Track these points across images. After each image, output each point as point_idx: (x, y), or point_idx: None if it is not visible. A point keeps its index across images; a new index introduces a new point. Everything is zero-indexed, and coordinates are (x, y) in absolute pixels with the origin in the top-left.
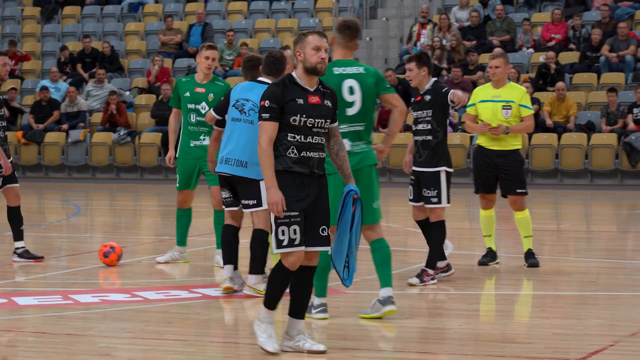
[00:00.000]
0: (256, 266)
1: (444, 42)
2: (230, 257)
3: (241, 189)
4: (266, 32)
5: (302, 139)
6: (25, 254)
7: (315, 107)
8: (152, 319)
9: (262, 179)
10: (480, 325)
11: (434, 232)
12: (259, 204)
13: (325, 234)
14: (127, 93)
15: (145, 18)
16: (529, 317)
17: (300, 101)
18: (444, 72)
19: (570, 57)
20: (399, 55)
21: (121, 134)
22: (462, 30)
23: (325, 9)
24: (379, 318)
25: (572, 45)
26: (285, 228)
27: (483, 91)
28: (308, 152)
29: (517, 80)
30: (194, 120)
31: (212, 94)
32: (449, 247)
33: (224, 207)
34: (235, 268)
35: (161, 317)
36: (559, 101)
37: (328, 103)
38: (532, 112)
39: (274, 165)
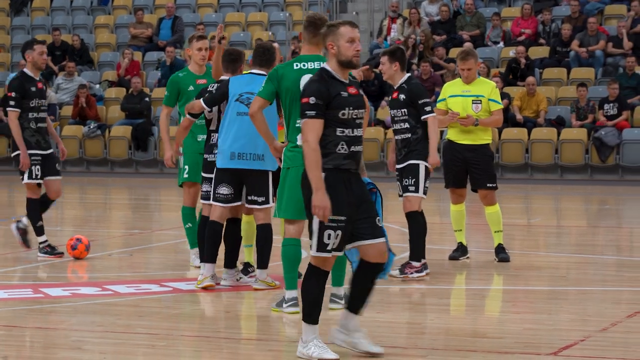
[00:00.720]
0: (264, 261)
1: (414, 36)
2: (214, 256)
3: (251, 184)
4: (236, 26)
5: (350, 132)
6: (47, 247)
7: (356, 98)
8: (122, 313)
9: (274, 170)
10: (451, 319)
11: (410, 223)
12: (267, 202)
13: (381, 224)
14: (97, 86)
15: (115, 11)
16: (500, 312)
17: (345, 94)
18: (414, 67)
19: (540, 51)
20: (369, 50)
21: (91, 127)
22: (432, 25)
23: (295, 2)
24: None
25: (541, 40)
26: (332, 232)
27: (453, 86)
28: (356, 147)
29: (487, 75)
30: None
31: (214, 84)
32: None
33: (219, 203)
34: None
35: (132, 310)
36: (529, 96)
37: (361, 92)
38: (502, 106)
39: (323, 164)
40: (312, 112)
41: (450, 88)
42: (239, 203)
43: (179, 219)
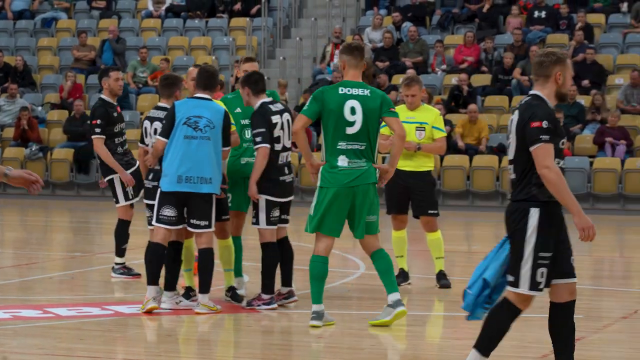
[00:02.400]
0: (207, 285)
1: None
2: (156, 278)
3: (194, 208)
4: (180, 50)
5: (562, 164)
6: (123, 268)
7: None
8: (64, 336)
9: (219, 195)
10: (392, 345)
11: (262, 254)
12: (210, 226)
13: (574, 264)
14: (40, 108)
15: (58, 34)
16: (441, 338)
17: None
18: None
19: (482, 79)
20: (312, 75)
21: (33, 149)
22: (375, 51)
23: (239, 27)
24: (388, 324)
25: (484, 68)
26: (544, 270)
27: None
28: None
29: (430, 102)
30: (248, 137)
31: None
32: (360, 267)
33: (163, 225)
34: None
35: (73, 333)
36: (471, 123)
37: None
38: (445, 134)
39: (538, 195)
40: (547, 137)
41: None
42: (181, 226)
43: (135, 243)
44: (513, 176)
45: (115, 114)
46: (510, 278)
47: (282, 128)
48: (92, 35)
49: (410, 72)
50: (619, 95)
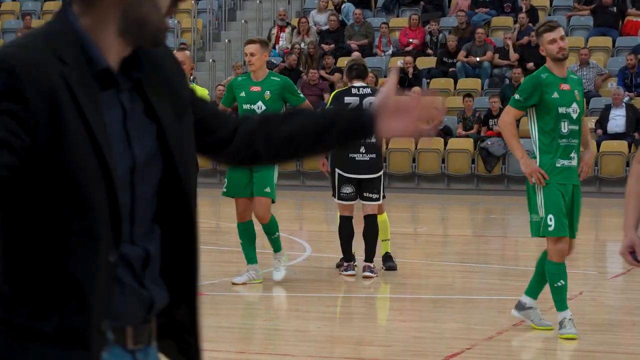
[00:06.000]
0: None
1: (302, 45)
2: None
3: None
4: None
5: None
6: None
7: None
8: None
9: None
10: (338, 327)
11: None
12: None
13: None
14: None
15: (2, 16)
16: (387, 320)
17: None
18: (303, 75)
19: (427, 62)
20: None
21: None
22: (320, 34)
23: (184, 10)
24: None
25: (429, 51)
26: None
27: (344, 95)
28: None
29: (375, 85)
30: None
31: (268, 92)
32: (307, 249)
33: None
34: None
35: None
36: None
37: None
38: None
39: None
40: None
41: (341, 96)
42: None
43: None
44: None
45: None
46: None
47: None
48: (36, 18)
49: (356, 54)
50: None
